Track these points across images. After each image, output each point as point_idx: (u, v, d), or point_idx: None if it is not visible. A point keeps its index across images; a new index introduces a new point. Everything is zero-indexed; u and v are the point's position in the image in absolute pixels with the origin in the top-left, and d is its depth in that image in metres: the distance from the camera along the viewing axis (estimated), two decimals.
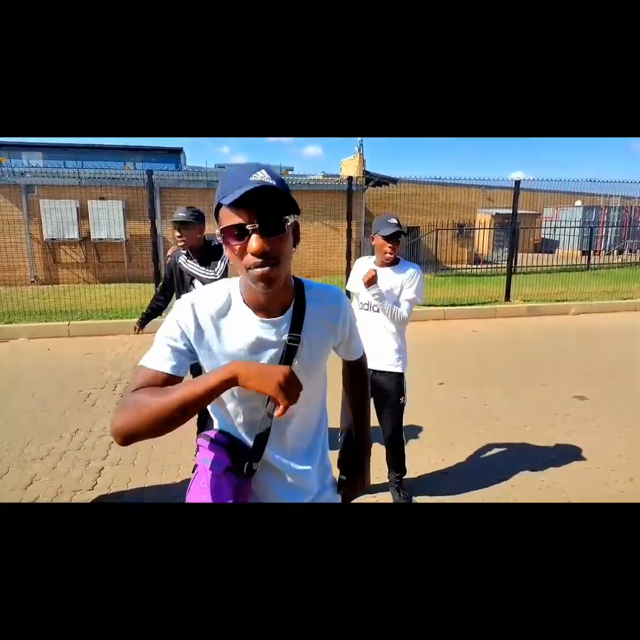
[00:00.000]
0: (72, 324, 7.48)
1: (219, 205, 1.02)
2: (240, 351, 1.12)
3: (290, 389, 0.97)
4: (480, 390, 5.03)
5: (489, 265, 15.42)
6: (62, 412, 4.38)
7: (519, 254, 12.77)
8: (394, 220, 2.77)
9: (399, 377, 2.90)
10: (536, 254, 16.71)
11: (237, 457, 1.15)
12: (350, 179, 10.17)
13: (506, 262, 10.67)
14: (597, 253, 18.60)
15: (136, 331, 3.65)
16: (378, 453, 3.14)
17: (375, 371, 2.84)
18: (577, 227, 18.54)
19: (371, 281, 2.78)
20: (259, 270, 1.00)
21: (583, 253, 17.68)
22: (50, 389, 4.96)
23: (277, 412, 0.99)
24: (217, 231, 1.04)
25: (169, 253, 3.39)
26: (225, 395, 1.15)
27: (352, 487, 1.47)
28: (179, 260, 3.22)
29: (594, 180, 12.03)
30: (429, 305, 9.24)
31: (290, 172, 20.27)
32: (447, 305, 9.30)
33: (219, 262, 3.12)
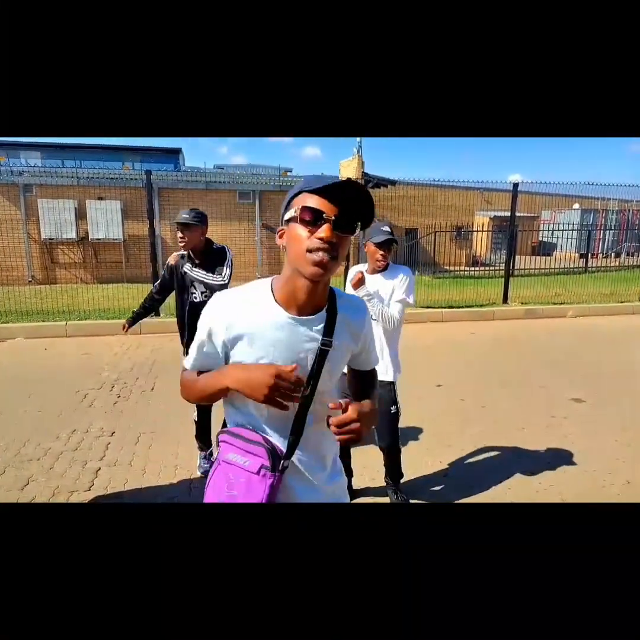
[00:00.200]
0: (70, 324, 7.46)
1: (298, 194, 1.10)
2: (269, 348, 1.15)
3: (282, 390, 1.01)
4: (478, 393, 5.03)
5: (487, 268, 15.43)
6: (59, 413, 4.36)
7: (517, 257, 12.81)
8: (386, 228, 2.75)
9: (389, 385, 2.85)
10: (534, 257, 16.74)
11: (271, 455, 1.16)
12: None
13: (504, 264, 10.68)
14: (594, 256, 18.66)
15: (124, 330, 3.54)
16: (376, 455, 3.14)
17: None
18: (575, 230, 18.59)
19: (359, 283, 2.77)
20: (320, 255, 1.05)
21: (581, 256, 17.73)
22: (47, 389, 4.94)
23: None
24: (290, 213, 1.10)
25: (171, 261, 3.34)
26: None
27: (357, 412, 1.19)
28: (185, 269, 3.20)
29: (592, 184, 12.05)
30: (427, 307, 9.25)
31: (289, 173, 20.29)
32: (445, 308, 9.31)
33: (225, 267, 3.12)
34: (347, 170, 16.07)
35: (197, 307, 3.09)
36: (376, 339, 2.80)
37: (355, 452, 3.49)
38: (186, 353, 3.34)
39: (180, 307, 3.34)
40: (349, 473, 3.06)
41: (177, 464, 3.46)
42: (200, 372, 1.25)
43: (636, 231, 20.45)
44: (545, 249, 20.30)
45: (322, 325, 1.18)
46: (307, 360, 1.17)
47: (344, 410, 1.10)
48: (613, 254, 19.74)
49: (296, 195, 1.11)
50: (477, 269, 15.82)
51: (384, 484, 3.12)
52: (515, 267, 12.46)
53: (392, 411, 2.88)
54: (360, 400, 1.28)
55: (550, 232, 20.15)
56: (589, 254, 17.59)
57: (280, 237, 1.15)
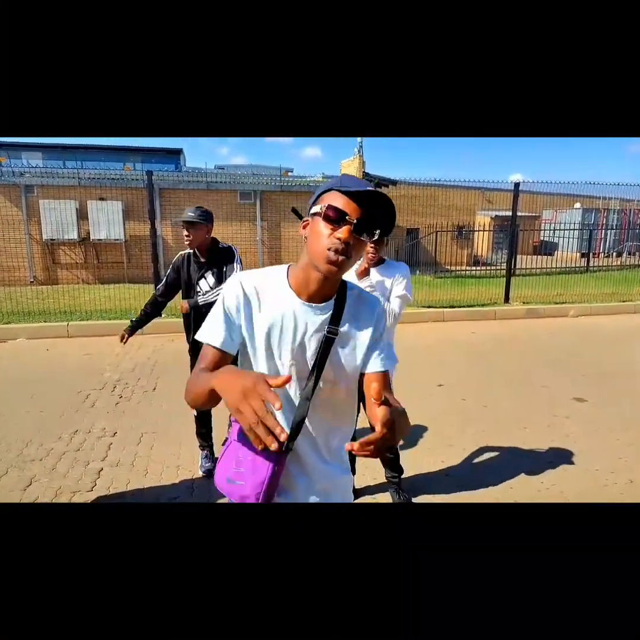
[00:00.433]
0: (71, 325, 7.47)
1: (328, 190, 1.16)
2: (275, 326, 1.21)
3: (249, 401, 0.91)
4: (479, 392, 5.03)
5: (488, 267, 15.42)
6: (61, 413, 4.37)
7: (518, 256, 12.78)
8: None
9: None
10: (535, 256, 16.73)
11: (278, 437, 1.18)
12: None
13: (505, 264, 10.68)
14: (596, 255, 18.62)
15: (123, 341, 3.41)
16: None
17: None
18: (577, 229, 18.56)
19: (363, 273, 2.79)
20: (336, 255, 1.12)
21: (582, 255, 17.69)
22: (49, 390, 4.95)
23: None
24: (316, 208, 1.16)
25: (177, 262, 3.38)
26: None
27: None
28: (200, 288, 3.23)
29: (593, 183, 12.05)
30: (428, 307, 9.25)
31: (290, 174, 20.29)
32: (446, 307, 9.30)
33: (235, 264, 3.14)
34: (348, 170, 16.06)
35: (203, 307, 3.11)
36: None
37: None
38: (190, 352, 3.37)
39: None
40: (352, 472, 3.06)
41: (179, 464, 3.47)
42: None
43: (637, 231, 20.41)
44: (546, 248, 20.28)
45: (329, 313, 1.23)
46: (310, 346, 1.22)
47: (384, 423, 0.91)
48: (614, 254, 19.70)
49: (326, 191, 1.17)
50: (478, 268, 15.81)
51: (385, 483, 3.12)
52: (517, 267, 12.43)
53: None
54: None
55: (551, 231, 20.13)
56: (591, 254, 17.56)
57: (304, 228, 1.21)
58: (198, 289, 3.23)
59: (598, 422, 4.31)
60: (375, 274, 2.85)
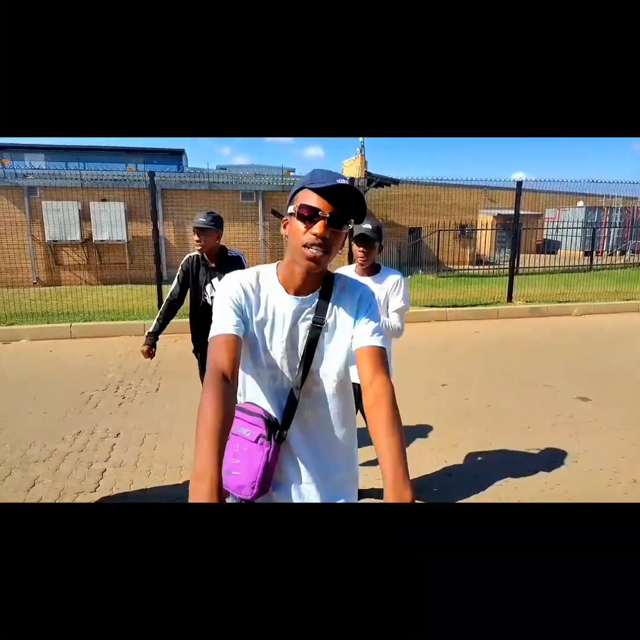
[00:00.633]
0: (74, 326, 7.49)
1: (300, 189, 1.20)
2: (266, 320, 1.27)
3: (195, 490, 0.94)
4: (482, 392, 5.02)
5: (491, 266, 15.40)
6: (64, 414, 4.38)
7: (521, 255, 12.76)
8: (368, 226, 2.71)
9: None
10: (538, 255, 16.68)
11: (269, 426, 1.27)
12: (351, 179, 10.18)
13: (508, 263, 10.66)
14: (599, 254, 18.56)
15: (150, 355, 3.45)
16: (372, 454, 3.13)
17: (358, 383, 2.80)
18: (580, 227, 18.51)
19: (363, 272, 2.77)
20: (314, 251, 1.17)
21: (585, 254, 17.64)
22: (52, 391, 4.97)
23: None
24: (291, 208, 1.21)
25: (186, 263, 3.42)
26: (249, 368, 1.30)
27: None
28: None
29: (596, 181, 12.03)
30: (431, 306, 9.24)
31: (291, 174, 20.29)
32: (449, 306, 9.29)
33: None
34: (350, 169, 16.08)
35: (210, 309, 3.12)
36: None
37: (360, 452, 3.49)
38: (196, 351, 3.38)
39: (193, 308, 3.37)
40: None
41: (182, 465, 3.47)
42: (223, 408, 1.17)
43: None
44: (549, 247, 20.23)
45: (316, 303, 1.27)
46: (299, 337, 1.27)
47: None
48: (618, 252, 19.65)
49: (300, 190, 1.21)
50: (481, 267, 15.79)
51: None
52: (520, 266, 12.41)
53: None
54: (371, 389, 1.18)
55: (554, 230, 20.08)
56: (594, 252, 17.50)
57: (284, 227, 1.26)
58: (205, 293, 3.26)
59: (602, 421, 4.29)
60: (376, 289, 2.80)
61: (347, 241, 1.32)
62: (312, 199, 1.16)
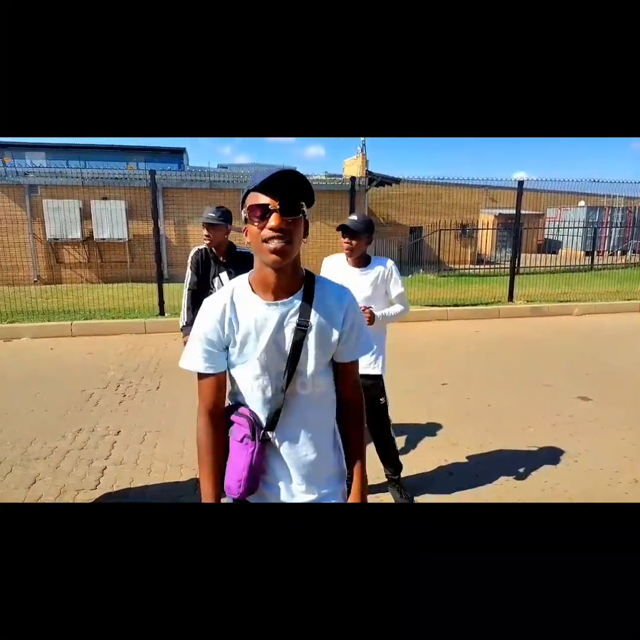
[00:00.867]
0: (75, 324, 7.49)
1: (247, 194, 1.21)
2: (249, 331, 1.27)
3: None
4: (483, 391, 5.02)
5: (492, 266, 15.38)
6: (65, 412, 4.39)
7: (522, 255, 12.75)
8: (353, 217, 2.78)
9: (378, 378, 2.91)
10: (539, 255, 16.67)
11: (253, 426, 1.30)
12: (353, 179, 10.17)
13: (509, 262, 10.64)
14: (600, 253, 18.53)
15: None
16: (373, 455, 3.13)
17: None
18: (581, 227, 18.48)
19: (371, 319, 2.72)
20: (275, 243, 1.16)
21: (586, 253, 17.61)
22: (53, 389, 4.97)
23: None
24: (243, 213, 1.22)
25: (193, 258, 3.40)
26: (238, 375, 1.33)
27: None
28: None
29: (598, 181, 12.00)
30: (432, 306, 9.23)
31: None
32: (450, 306, 9.28)
33: None
34: (351, 168, 16.06)
35: None
36: None
37: None
38: None
39: (200, 302, 3.35)
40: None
41: (183, 463, 3.48)
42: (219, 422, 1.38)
43: None
44: (550, 246, 20.20)
45: (298, 305, 1.27)
46: (286, 340, 1.27)
47: None
48: (619, 252, 19.62)
49: (246, 196, 1.22)
50: (482, 267, 15.78)
51: (387, 482, 3.12)
52: (521, 265, 12.40)
53: (382, 402, 2.96)
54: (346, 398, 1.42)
55: (555, 229, 20.06)
56: (595, 252, 17.48)
57: (246, 235, 1.25)
58: (213, 287, 3.26)
59: (602, 421, 4.29)
60: (362, 279, 2.83)
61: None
62: (259, 198, 1.17)
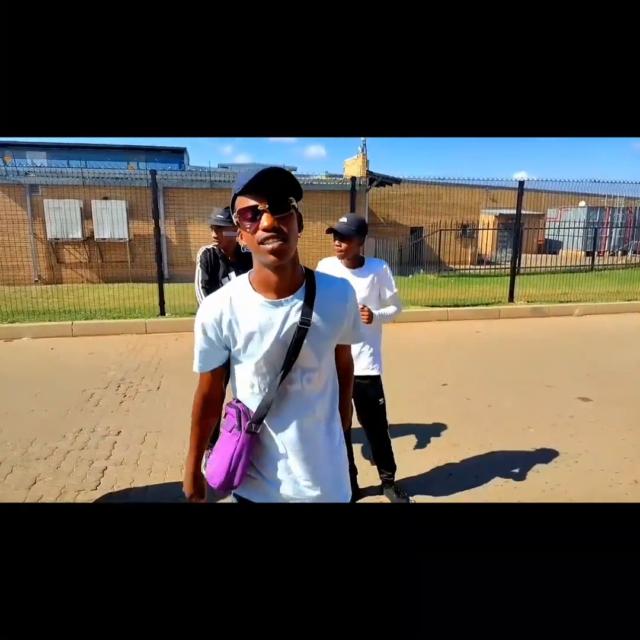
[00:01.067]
0: (76, 324, 7.49)
1: (235, 198, 1.21)
2: (254, 331, 1.27)
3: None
4: (483, 392, 5.01)
5: (493, 266, 15.38)
6: (66, 412, 4.39)
7: (523, 255, 12.75)
8: (344, 220, 2.78)
9: (375, 379, 2.93)
10: (540, 255, 16.67)
11: (240, 417, 1.33)
12: (353, 179, 10.17)
13: (510, 262, 10.64)
14: (601, 254, 18.53)
15: None
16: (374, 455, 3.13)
17: None
18: (581, 228, 18.47)
19: (369, 318, 2.75)
20: (270, 244, 1.16)
21: (587, 254, 17.61)
22: (53, 389, 4.97)
23: None
24: (234, 217, 1.22)
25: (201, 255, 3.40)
26: (242, 369, 1.34)
27: None
28: None
29: (598, 181, 12.01)
30: (433, 306, 9.23)
31: (293, 172, 20.29)
32: (450, 306, 9.27)
33: None
34: (352, 168, 16.06)
35: None
36: None
37: (360, 451, 3.49)
38: None
39: None
40: (353, 470, 3.07)
41: (183, 463, 3.47)
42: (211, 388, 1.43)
43: None
44: (551, 247, 20.21)
45: (300, 303, 1.28)
46: (288, 338, 1.27)
47: None
48: (620, 252, 19.61)
49: (234, 200, 1.22)
50: (482, 267, 15.77)
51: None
52: (521, 266, 12.40)
53: (380, 403, 2.97)
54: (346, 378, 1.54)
55: (556, 230, 20.05)
56: (596, 252, 17.48)
57: (241, 238, 1.26)
58: (222, 287, 3.27)
59: (603, 421, 4.29)
60: (356, 282, 2.80)
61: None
62: (247, 201, 1.17)
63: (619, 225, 20.57)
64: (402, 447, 3.58)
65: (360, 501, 3.02)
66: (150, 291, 8.84)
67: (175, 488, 3.16)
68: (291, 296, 1.27)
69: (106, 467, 3.43)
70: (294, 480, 1.34)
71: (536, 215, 20.12)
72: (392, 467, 3.08)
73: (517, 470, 3.42)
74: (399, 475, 3.13)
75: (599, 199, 20.59)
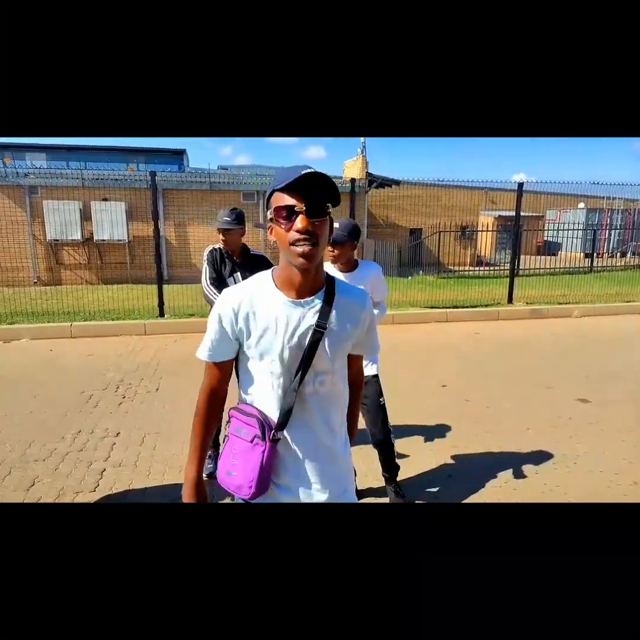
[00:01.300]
0: (75, 325, 7.49)
1: (272, 193, 1.21)
2: (269, 327, 1.27)
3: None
4: (483, 393, 5.02)
5: (492, 268, 15.39)
6: (64, 413, 4.38)
7: (522, 256, 12.75)
8: (335, 225, 2.77)
9: (374, 378, 2.94)
10: (539, 257, 16.68)
11: (262, 426, 1.29)
12: (353, 180, 10.17)
13: (509, 264, 10.65)
14: (600, 256, 18.55)
15: None
16: (373, 455, 3.13)
17: None
18: (580, 229, 18.49)
19: (343, 267, 2.82)
20: (302, 247, 1.16)
21: (586, 255, 17.63)
22: (52, 390, 4.96)
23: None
24: (268, 213, 1.22)
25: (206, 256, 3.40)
26: (253, 372, 1.33)
27: None
28: None
29: (597, 183, 12.03)
30: (432, 308, 9.24)
31: None
32: (449, 308, 9.28)
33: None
34: (351, 170, 16.07)
35: None
36: None
37: (360, 451, 3.49)
38: None
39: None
40: (395, 468, 3.08)
41: (182, 465, 3.45)
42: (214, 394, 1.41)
43: None
44: (550, 248, 20.22)
45: (319, 306, 1.28)
46: (305, 339, 1.27)
47: None
48: (619, 254, 19.63)
49: (271, 195, 1.22)
50: (481, 268, 15.78)
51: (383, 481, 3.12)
52: (520, 267, 12.41)
53: (381, 403, 2.99)
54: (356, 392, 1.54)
55: (555, 231, 20.07)
56: (595, 254, 17.49)
57: (270, 233, 1.25)
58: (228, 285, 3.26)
59: (602, 423, 4.29)
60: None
61: None
62: (284, 199, 1.16)
63: (618, 227, 20.59)
64: (402, 448, 3.57)
65: (360, 501, 3.02)
66: (149, 292, 8.84)
67: (173, 490, 3.15)
68: (311, 297, 1.27)
69: (105, 469, 3.42)
70: (303, 484, 1.33)
71: (535, 217, 20.15)
72: (395, 467, 3.08)
73: (516, 472, 3.42)
74: (399, 476, 3.12)
75: (598, 200, 20.62)
